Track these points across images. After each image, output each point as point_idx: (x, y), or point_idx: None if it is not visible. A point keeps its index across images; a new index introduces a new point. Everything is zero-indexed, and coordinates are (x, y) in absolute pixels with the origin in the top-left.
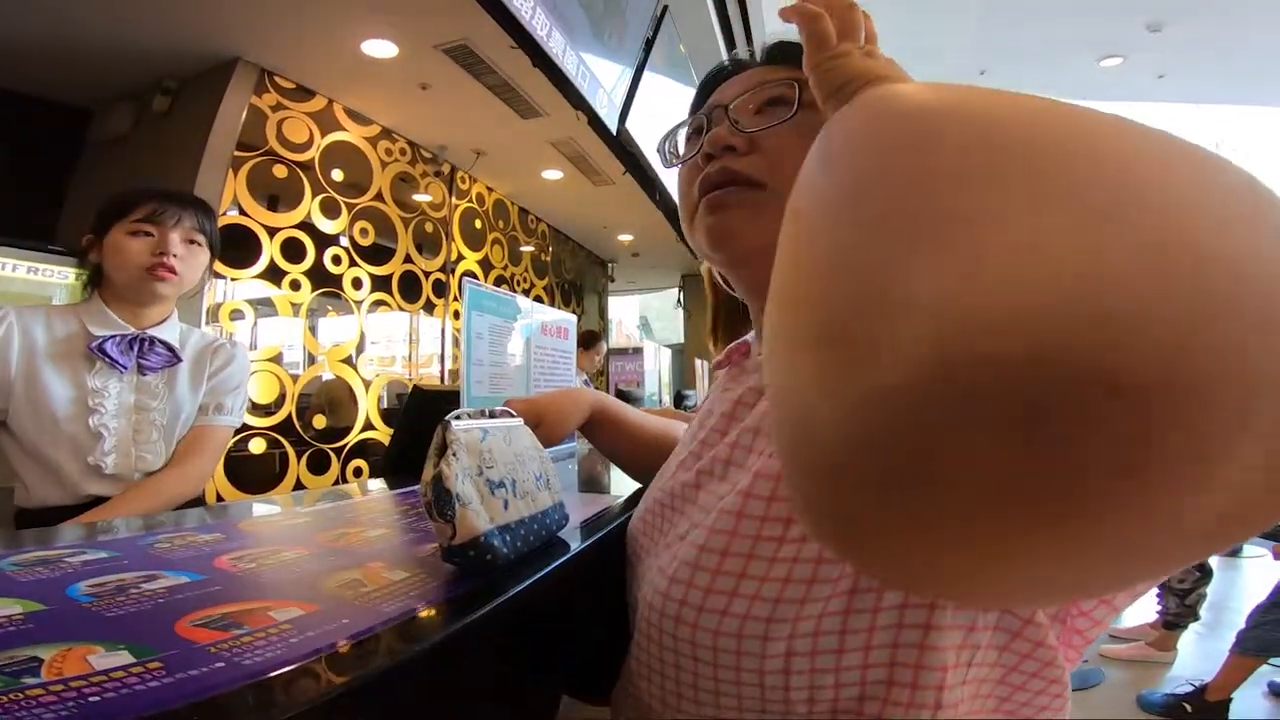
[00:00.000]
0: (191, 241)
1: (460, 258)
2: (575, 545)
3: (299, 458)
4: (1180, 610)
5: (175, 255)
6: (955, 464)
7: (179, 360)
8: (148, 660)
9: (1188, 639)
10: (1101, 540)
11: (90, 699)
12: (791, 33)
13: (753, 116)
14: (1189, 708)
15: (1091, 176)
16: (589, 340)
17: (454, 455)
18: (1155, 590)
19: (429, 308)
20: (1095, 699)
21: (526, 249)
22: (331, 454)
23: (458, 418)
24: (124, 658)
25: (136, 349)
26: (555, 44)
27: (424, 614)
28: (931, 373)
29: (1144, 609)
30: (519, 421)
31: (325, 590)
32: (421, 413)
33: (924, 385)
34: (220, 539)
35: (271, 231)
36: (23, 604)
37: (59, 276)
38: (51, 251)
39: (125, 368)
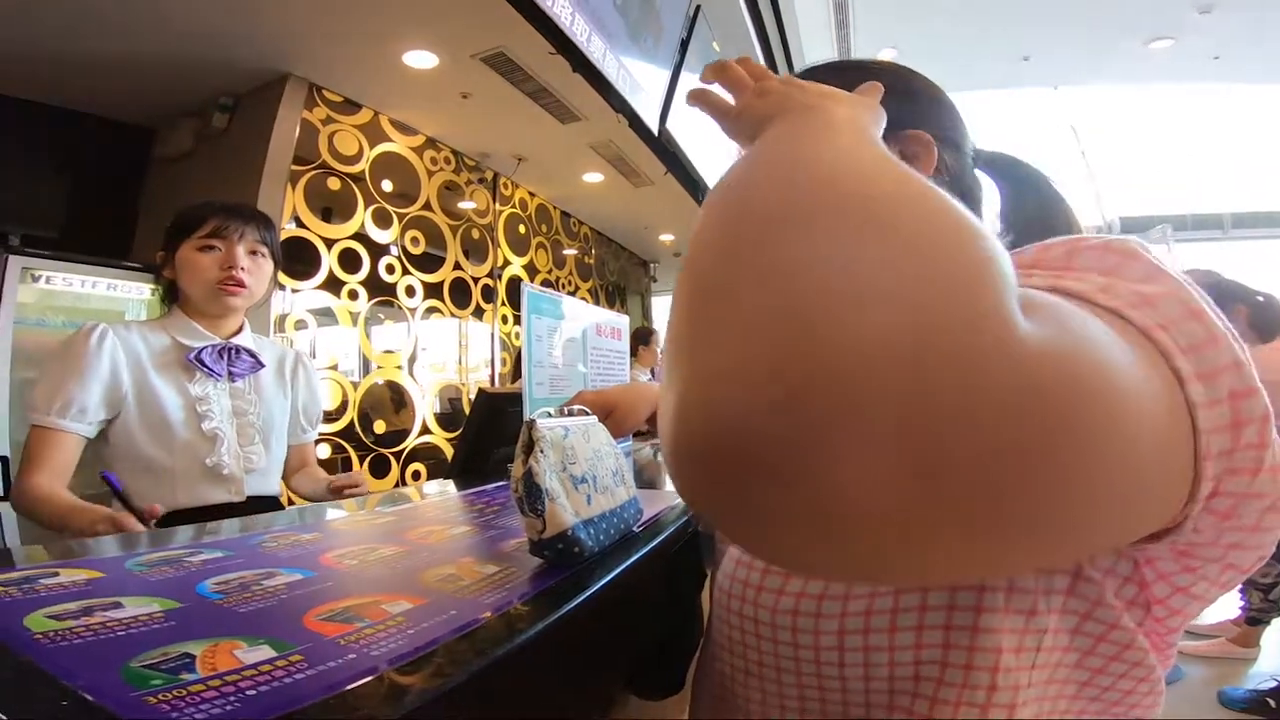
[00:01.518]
0: (255, 253)
1: (506, 263)
2: (651, 540)
3: (361, 461)
4: (1263, 605)
5: (242, 268)
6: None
7: (261, 366)
8: (289, 654)
9: (1272, 635)
10: (859, 555)
11: (247, 692)
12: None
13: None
14: (1273, 703)
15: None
16: (645, 336)
17: (541, 452)
18: (1239, 585)
19: (478, 313)
20: (1174, 696)
21: (570, 252)
22: (391, 458)
23: (543, 416)
24: (267, 651)
25: (226, 358)
26: (595, 49)
27: (523, 606)
28: (675, 447)
29: (1227, 605)
30: (594, 419)
31: (427, 584)
32: (488, 415)
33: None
34: (320, 538)
35: (329, 243)
36: (160, 602)
37: (136, 292)
38: (127, 268)
39: (220, 375)
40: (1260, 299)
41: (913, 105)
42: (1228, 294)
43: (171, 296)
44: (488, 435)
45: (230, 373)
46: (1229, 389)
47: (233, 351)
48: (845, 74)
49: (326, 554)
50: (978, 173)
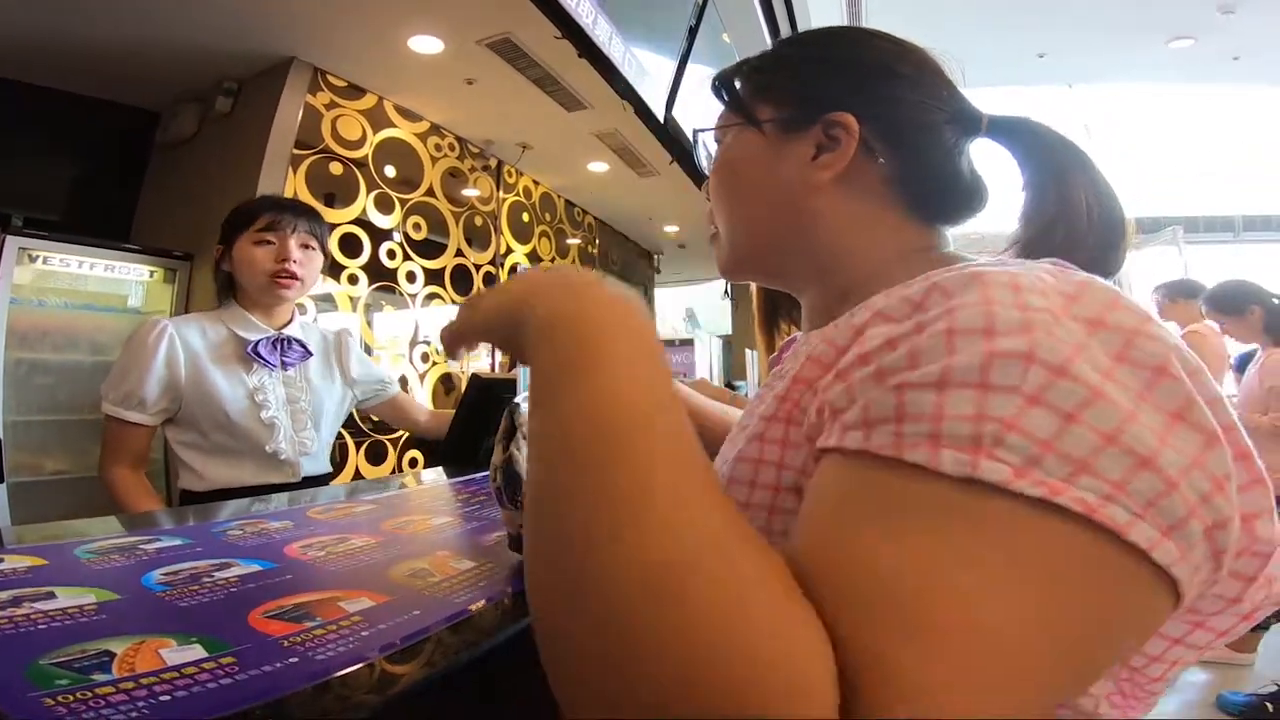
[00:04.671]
0: (307, 246)
1: (509, 250)
2: None
3: (358, 448)
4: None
5: (295, 261)
6: None
7: (310, 355)
8: (220, 655)
9: (1271, 639)
10: None
11: (161, 698)
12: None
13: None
14: (1271, 707)
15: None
16: None
17: (524, 438)
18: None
19: None
20: (1172, 701)
21: (573, 241)
22: (388, 444)
23: (526, 401)
24: (197, 652)
25: (279, 349)
26: (601, 32)
27: (493, 606)
28: None
29: None
30: None
31: (394, 580)
32: (480, 400)
33: None
34: (289, 526)
35: (330, 228)
36: (97, 593)
37: (135, 274)
38: (125, 249)
39: (275, 366)
40: (1276, 301)
41: (845, 81)
42: (1246, 296)
43: (228, 289)
44: (480, 422)
45: (283, 362)
46: (1202, 529)
47: (285, 342)
48: (779, 48)
49: (293, 544)
50: (993, 143)
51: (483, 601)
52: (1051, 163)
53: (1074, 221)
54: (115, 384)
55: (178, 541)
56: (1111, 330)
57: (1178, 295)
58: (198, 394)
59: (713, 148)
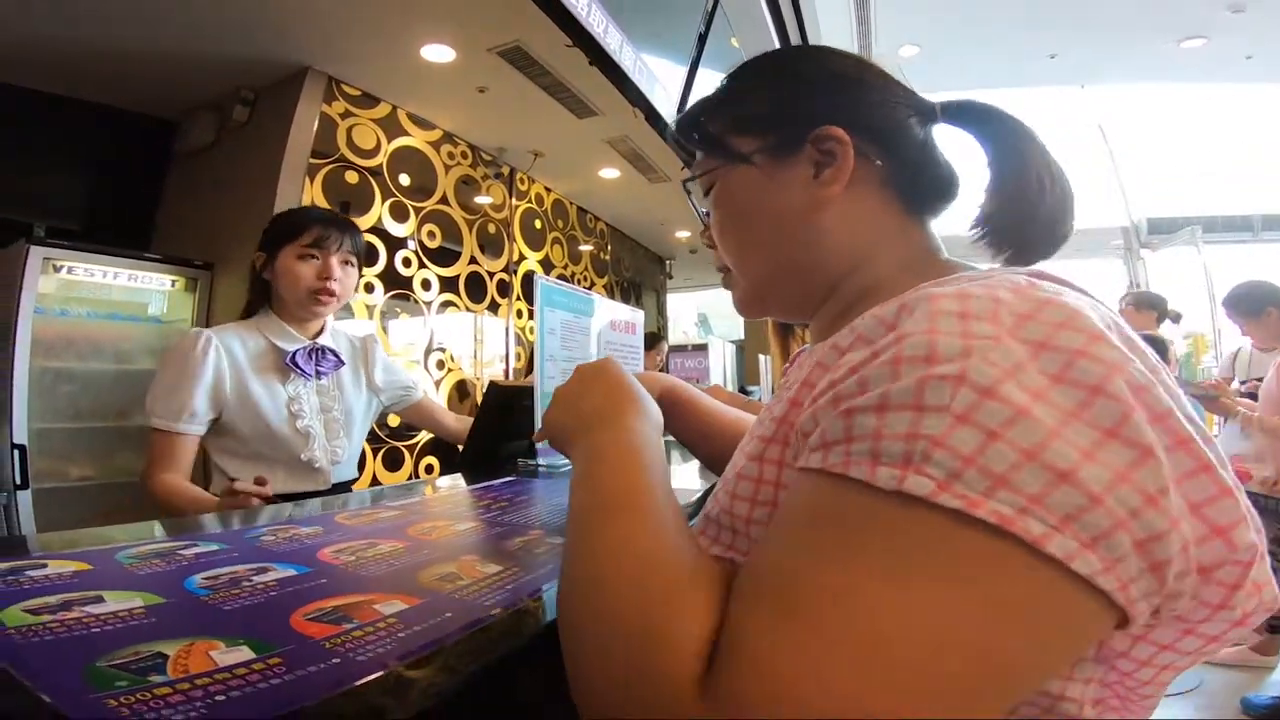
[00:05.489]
0: (347, 263)
1: (522, 258)
2: None
3: (375, 455)
4: None
5: (336, 279)
6: None
7: (342, 364)
8: (268, 656)
9: None
10: None
11: (217, 698)
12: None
13: (704, 199)
14: None
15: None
16: (650, 341)
17: None
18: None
19: (493, 307)
20: (1195, 703)
21: (586, 248)
22: (405, 450)
23: None
24: (245, 654)
25: (314, 358)
26: (612, 40)
27: (523, 608)
28: None
29: None
30: None
31: (424, 584)
32: (498, 408)
33: None
34: (320, 532)
35: None
36: (143, 596)
37: (157, 284)
38: (148, 259)
39: (311, 376)
40: None
41: (821, 95)
42: (1263, 298)
43: (265, 297)
44: (498, 429)
45: (317, 371)
46: (1132, 542)
47: (320, 352)
48: (735, 80)
49: (324, 549)
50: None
51: (512, 604)
52: (1007, 142)
53: (1028, 194)
54: (163, 397)
55: (214, 547)
56: (1055, 351)
57: (1143, 305)
58: (240, 404)
59: (699, 197)
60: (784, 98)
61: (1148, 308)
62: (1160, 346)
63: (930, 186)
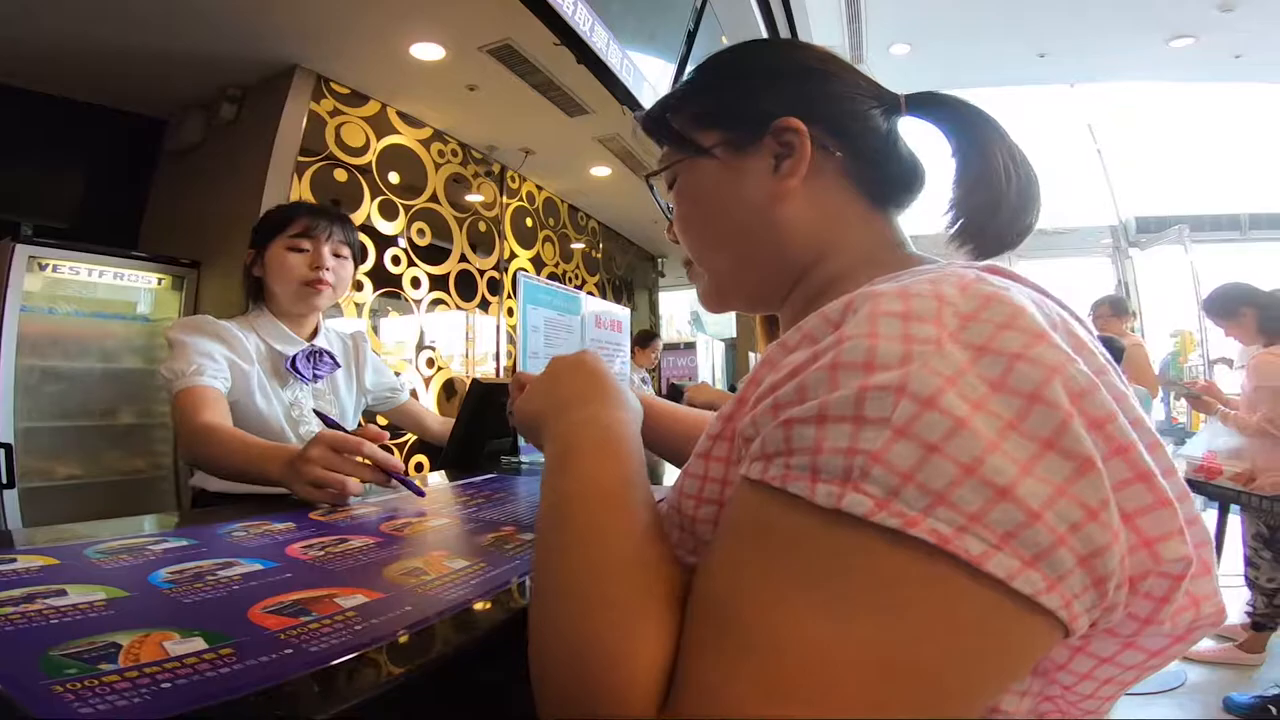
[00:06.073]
0: (339, 255)
1: (513, 256)
2: None
3: None
4: (1268, 610)
5: (328, 268)
6: None
7: (338, 366)
8: (220, 646)
9: (1277, 641)
10: None
11: (162, 685)
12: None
13: (668, 194)
14: (1275, 710)
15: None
16: (645, 339)
17: None
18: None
19: (484, 305)
20: (1178, 701)
21: (577, 246)
22: (394, 449)
23: None
24: (198, 644)
25: (312, 362)
26: (599, 39)
27: (481, 603)
28: None
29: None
30: None
31: (389, 578)
32: (481, 405)
33: None
34: (292, 528)
35: None
36: (106, 590)
37: (143, 282)
38: (134, 257)
39: (309, 380)
40: (1270, 301)
41: (780, 88)
42: (1237, 298)
43: (257, 295)
44: (480, 425)
45: (314, 374)
46: (1075, 558)
47: (317, 355)
48: (699, 75)
49: (294, 545)
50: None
51: (473, 599)
52: (970, 130)
53: (994, 182)
54: (176, 362)
55: (184, 542)
56: (995, 355)
57: (1121, 312)
58: (239, 405)
59: (663, 192)
60: (744, 91)
61: (1124, 312)
62: (1118, 350)
63: (893, 178)
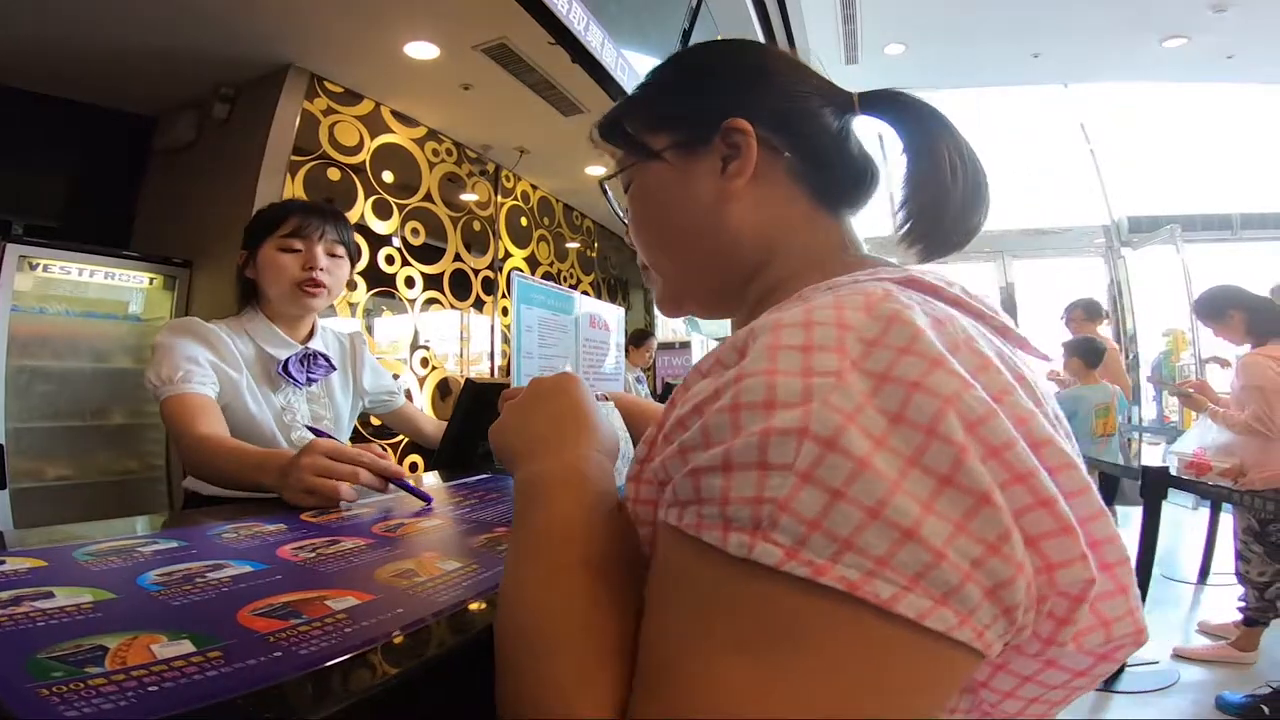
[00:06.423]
0: (334, 255)
1: (507, 255)
2: None
3: None
4: (1260, 605)
5: (322, 269)
6: None
7: (333, 369)
8: (208, 649)
9: (1273, 640)
10: None
11: (149, 688)
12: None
13: (623, 198)
14: (1267, 709)
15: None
16: (640, 338)
17: None
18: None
19: (479, 305)
20: (1171, 700)
21: (572, 245)
22: (389, 449)
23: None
24: (185, 647)
25: (306, 365)
26: (593, 38)
27: (473, 605)
28: None
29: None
30: (612, 405)
31: (380, 580)
32: (475, 405)
33: None
34: (283, 529)
35: None
36: (94, 592)
37: (135, 281)
38: (125, 257)
39: (303, 384)
40: (1258, 302)
41: (728, 89)
42: (1225, 300)
43: (248, 296)
44: (474, 425)
45: (308, 378)
46: (981, 591)
47: (311, 358)
48: (652, 77)
49: (285, 546)
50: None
51: (465, 601)
52: (920, 127)
53: (940, 179)
54: (162, 366)
55: (174, 544)
56: (894, 385)
57: (1095, 315)
58: (230, 408)
59: (618, 197)
60: (692, 93)
61: (1096, 315)
62: (1099, 351)
63: (842, 178)
